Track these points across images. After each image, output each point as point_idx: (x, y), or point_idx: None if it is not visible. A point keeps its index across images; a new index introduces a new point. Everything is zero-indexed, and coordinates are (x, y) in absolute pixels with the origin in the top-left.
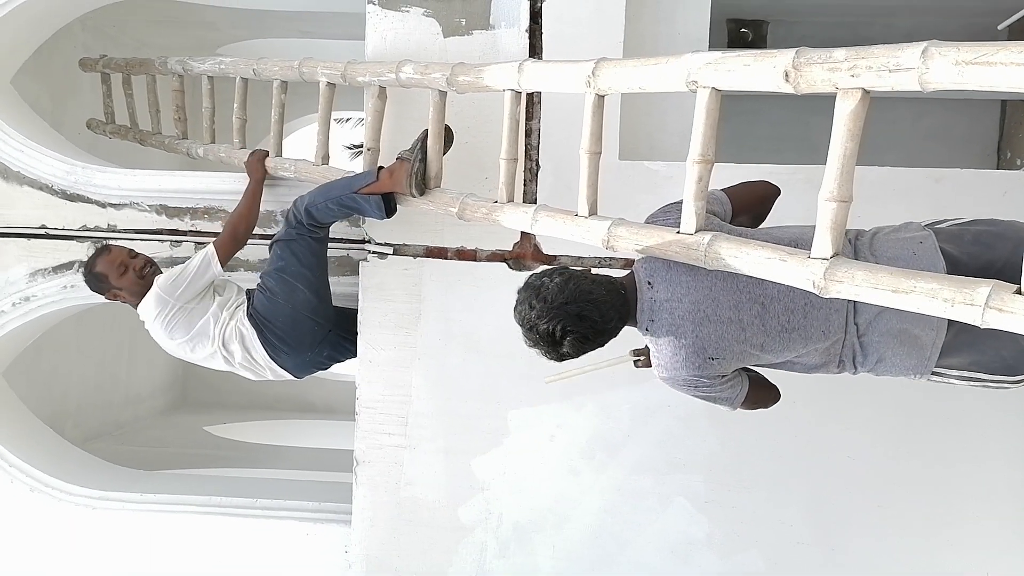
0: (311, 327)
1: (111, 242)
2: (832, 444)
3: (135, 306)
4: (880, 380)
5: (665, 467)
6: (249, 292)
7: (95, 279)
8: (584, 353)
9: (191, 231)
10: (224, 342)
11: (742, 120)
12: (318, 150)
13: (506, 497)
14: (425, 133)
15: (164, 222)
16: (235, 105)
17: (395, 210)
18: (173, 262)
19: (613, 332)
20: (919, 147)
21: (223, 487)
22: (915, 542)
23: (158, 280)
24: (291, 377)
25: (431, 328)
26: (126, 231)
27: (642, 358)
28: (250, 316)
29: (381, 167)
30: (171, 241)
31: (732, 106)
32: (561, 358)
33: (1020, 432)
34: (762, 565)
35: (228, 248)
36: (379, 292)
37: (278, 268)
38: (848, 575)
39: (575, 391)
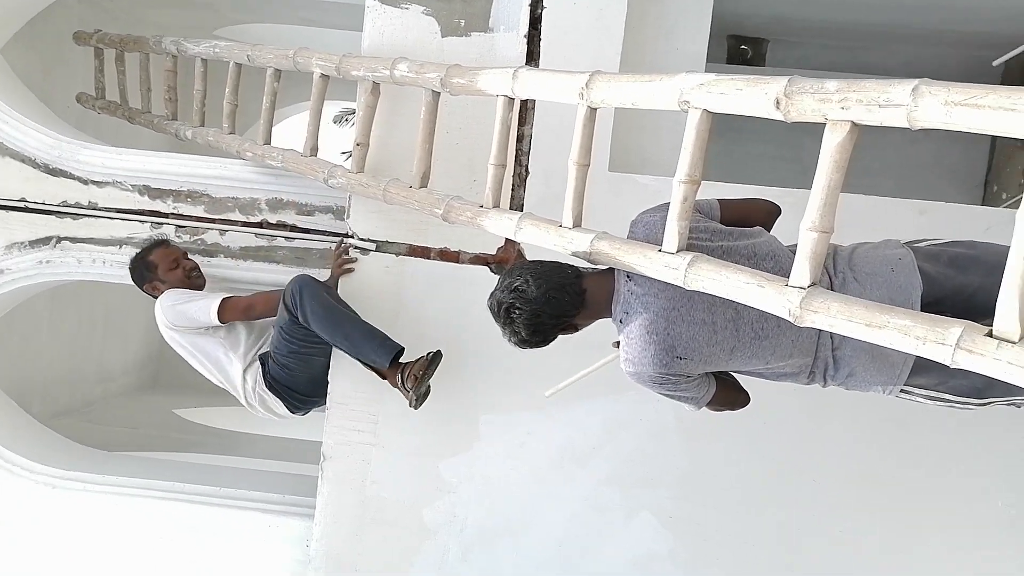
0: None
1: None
2: (798, 468)
3: None
4: (850, 405)
5: (633, 481)
6: (262, 357)
7: (144, 266)
8: (543, 332)
9: (173, 213)
10: (247, 401)
11: (734, 137)
12: (307, 141)
13: (472, 501)
14: (420, 369)
15: (146, 203)
16: (227, 90)
17: (403, 352)
18: None
19: (558, 304)
20: (909, 175)
21: (187, 473)
22: (874, 565)
23: (163, 297)
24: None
25: (408, 328)
26: (107, 209)
27: None
28: (270, 386)
29: (395, 360)
30: (152, 222)
31: (725, 123)
32: (523, 343)
33: (982, 460)
34: None
35: (236, 314)
36: (358, 287)
37: (291, 351)
38: None
39: (548, 402)
